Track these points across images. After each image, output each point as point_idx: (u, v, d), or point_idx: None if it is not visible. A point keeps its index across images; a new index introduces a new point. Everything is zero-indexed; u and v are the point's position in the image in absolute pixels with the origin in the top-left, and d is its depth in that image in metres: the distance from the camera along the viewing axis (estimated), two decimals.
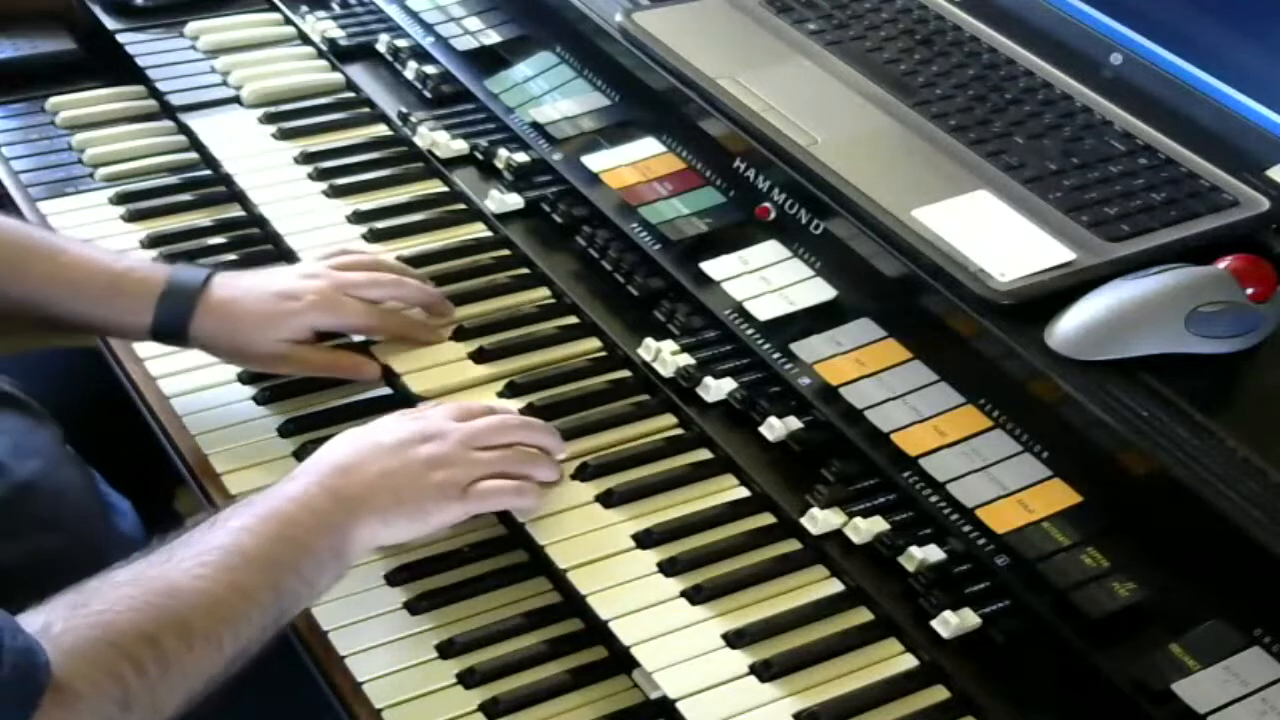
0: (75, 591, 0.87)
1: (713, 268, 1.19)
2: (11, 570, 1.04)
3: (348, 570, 0.99)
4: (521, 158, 1.35)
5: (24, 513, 1.08)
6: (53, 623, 0.84)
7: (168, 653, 0.86)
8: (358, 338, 1.20)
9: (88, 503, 1.18)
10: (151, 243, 1.32)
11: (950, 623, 0.95)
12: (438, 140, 1.38)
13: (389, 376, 1.19)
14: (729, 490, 1.09)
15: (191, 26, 1.56)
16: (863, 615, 1.00)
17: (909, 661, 0.97)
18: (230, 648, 0.90)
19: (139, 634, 0.85)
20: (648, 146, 1.32)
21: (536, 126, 1.36)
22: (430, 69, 1.48)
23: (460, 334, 1.21)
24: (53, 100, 1.49)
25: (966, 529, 1.00)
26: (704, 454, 1.11)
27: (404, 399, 1.17)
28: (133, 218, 1.36)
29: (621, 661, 0.98)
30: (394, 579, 1.04)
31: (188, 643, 0.87)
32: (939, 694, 0.96)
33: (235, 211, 1.38)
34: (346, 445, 1.03)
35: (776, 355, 1.13)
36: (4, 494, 1.08)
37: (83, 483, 1.19)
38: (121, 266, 1.16)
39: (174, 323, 1.14)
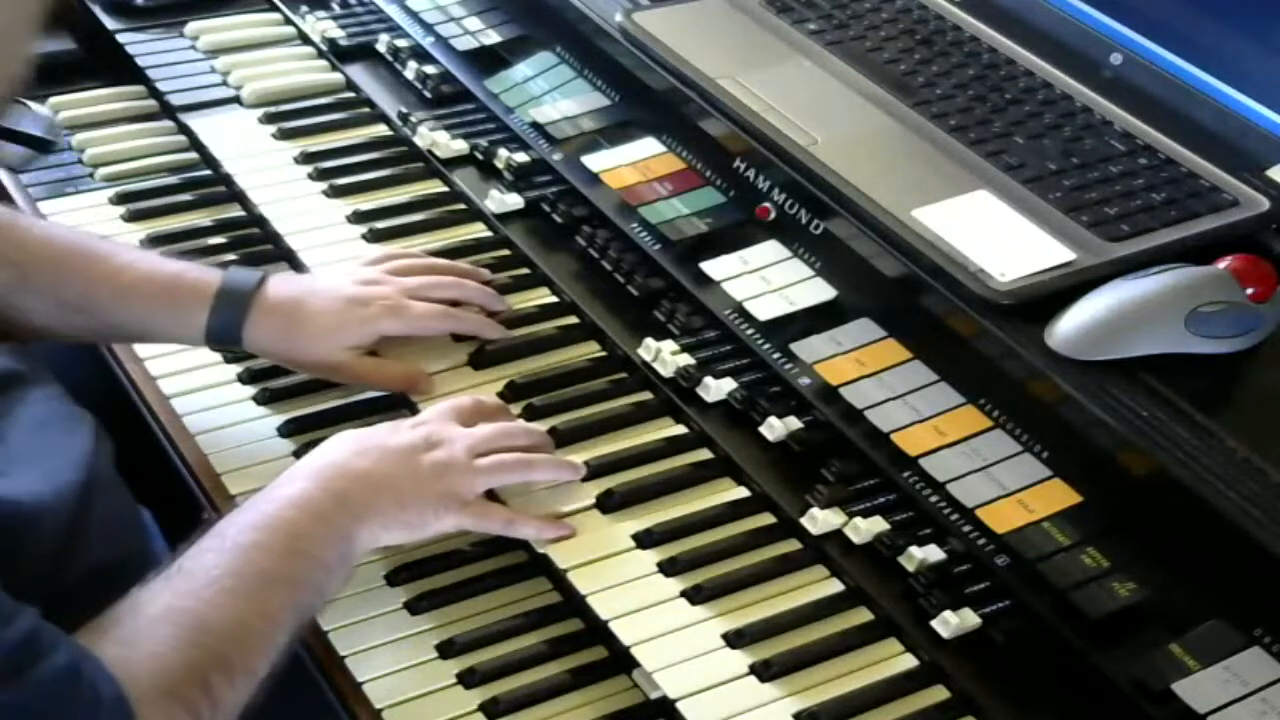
0: (112, 625, 0.86)
1: (713, 268, 1.19)
2: (72, 589, 1.03)
3: (351, 573, 0.99)
4: (521, 158, 1.35)
5: (84, 528, 1.07)
6: (110, 666, 0.83)
7: (216, 693, 0.86)
8: None
9: (131, 522, 1.17)
10: (151, 243, 1.32)
11: (950, 623, 0.95)
12: (438, 140, 1.38)
13: None
14: (729, 490, 1.09)
15: (191, 26, 1.56)
16: (863, 615, 1.00)
17: (909, 661, 0.97)
18: (262, 673, 0.90)
19: (190, 678, 0.85)
20: (648, 146, 1.32)
21: (536, 126, 1.36)
22: (430, 69, 1.48)
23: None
24: (53, 100, 1.49)
25: (966, 529, 1.00)
26: (704, 454, 1.11)
27: (403, 399, 1.17)
28: (133, 218, 1.36)
29: (621, 661, 0.98)
30: (394, 579, 1.04)
31: (231, 680, 0.87)
32: (939, 694, 0.96)
33: (235, 211, 1.38)
34: (349, 446, 1.02)
35: (776, 355, 1.13)
36: (72, 507, 1.06)
37: (128, 502, 1.18)
38: (174, 271, 1.14)
39: (229, 328, 1.13)
